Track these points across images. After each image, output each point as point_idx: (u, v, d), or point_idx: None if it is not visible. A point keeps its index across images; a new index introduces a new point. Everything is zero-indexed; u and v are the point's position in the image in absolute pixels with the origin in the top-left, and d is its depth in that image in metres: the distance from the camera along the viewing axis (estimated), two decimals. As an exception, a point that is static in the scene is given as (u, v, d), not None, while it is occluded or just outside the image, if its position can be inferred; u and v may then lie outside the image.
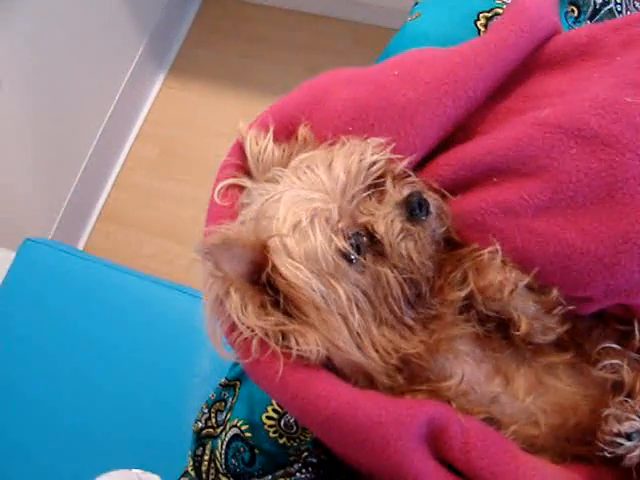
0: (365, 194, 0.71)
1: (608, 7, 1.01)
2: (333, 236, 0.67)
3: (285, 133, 0.78)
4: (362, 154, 0.71)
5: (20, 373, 1.41)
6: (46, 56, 2.20)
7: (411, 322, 0.69)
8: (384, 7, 2.36)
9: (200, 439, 0.99)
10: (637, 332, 0.73)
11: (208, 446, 0.97)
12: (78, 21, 2.29)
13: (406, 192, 0.70)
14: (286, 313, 0.68)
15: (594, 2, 1.01)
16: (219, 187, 0.77)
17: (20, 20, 2.06)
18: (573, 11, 1.02)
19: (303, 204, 0.68)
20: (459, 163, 0.73)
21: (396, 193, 0.71)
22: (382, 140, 0.73)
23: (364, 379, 0.69)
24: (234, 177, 0.77)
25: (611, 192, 0.67)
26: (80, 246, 2.54)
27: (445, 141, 0.77)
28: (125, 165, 2.65)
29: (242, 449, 0.91)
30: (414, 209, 0.68)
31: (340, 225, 0.68)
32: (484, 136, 0.75)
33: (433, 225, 0.70)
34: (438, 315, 0.70)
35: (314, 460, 0.79)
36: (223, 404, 1.00)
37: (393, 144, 0.73)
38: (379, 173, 0.72)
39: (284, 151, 0.77)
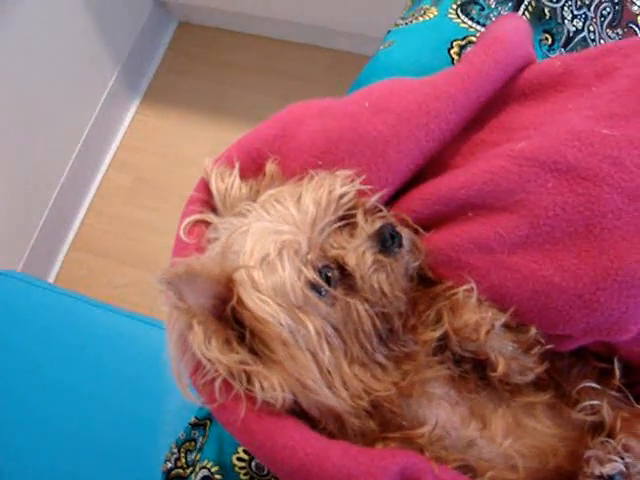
0: (336, 227, 0.69)
1: (581, 35, 1.01)
2: (302, 268, 0.65)
3: (253, 168, 0.76)
4: (331, 186, 0.69)
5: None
6: (17, 82, 2.17)
7: (383, 360, 0.67)
8: (359, 34, 2.37)
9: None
10: (617, 370, 0.71)
11: (177, 488, 0.93)
12: (50, 48, 2.26)
13: (378, 224, 0.68)
14: (252, 351, 0.65)
15: (567, 30, 1.01)
16: (185, 223, 0.74)
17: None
18: (547, 39, 1.01)
19: (271, 236, 0.66)
20: (433, 197, 0.71)
21: (367, 226, 0.68)
22: (351, 172, 0.71)
23: (334, 422, 0.66)
24: (200, 213, 0.75)
25: (589, 227, 0.65)
26: (52, 275, 2.49)
27: (419, 174, 0.75)
28: (98, 193, 2.61)
29: None
30: (386, 241, 0.66)
31: (309, 257, 0.65)
32: (458, 169, 0.73)
33: (406, 258, 0.68)
34: (411, 354, 0.68)
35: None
36: (193, 444, 0.97)
37: (363, 176, 0.72)
38: (349, 205, 0.70)
39: (251, 188, 0.75)
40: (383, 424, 0.67)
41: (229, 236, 0.68)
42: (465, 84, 0.74)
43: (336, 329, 0.65)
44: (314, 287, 0.65)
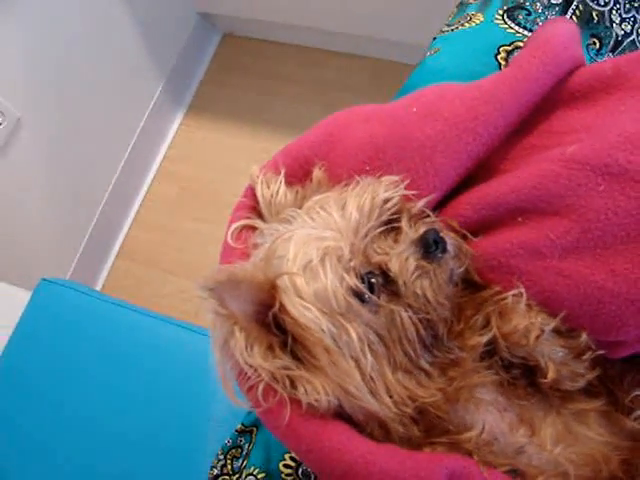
0: (379, 232, 0.69)
1: (630, 39, 0.99)
2: (345, 274, 0.64)
3: (300, 174, 0.76)
4: (375, 192, 0.68)
5: (31, 416, 1.39)
6: (66, 96, 2.22)
7: (428, 367, 0.66)
8: (402, 43, 2.36)
9: (216, 487, 0.96)
10: (672, 378, 0.69)
11: (224, 494, 0.93)
12: (97, 60, 2.31)
13: (422, 230, 0.67)
14: (295, 357, 0.65)
15: (616, 34, 0.99)
16: (232, 229, 0.75)
17: (40, 60, 2.08)
18: (595, 43, 1.00)
19: (314, 243, 0.65)
20: (481, 202, 0.71)
21: (412, 231, 0.68)
22: (396, 177, 0.71)
23: (379, 429, 0.65)
24: (247, 218, 0.75)
25: None
26: (99, 284, 2.53)
27: (467, 179, 0.74)
28: (144, 204, 2.65)
29: None
30: (430, 246, 0.65)
31: (352, 264, 0.65)
32: (507, 174, 0.72)
33: (450, 264, 0.67)
34: (457, 361, 0.67)
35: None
36: (239, 450, 0.97)
37: (407, 181, 0.71)
38: (393, 210, 0.69)
39: (297, 193, 0.75)
40: (429, 429, 0.66)
41: (273, 242, 0.68)
42: (513, 88, 0.73)
43: (379, 336, 0.65)
44: (356, 294, 0.65)
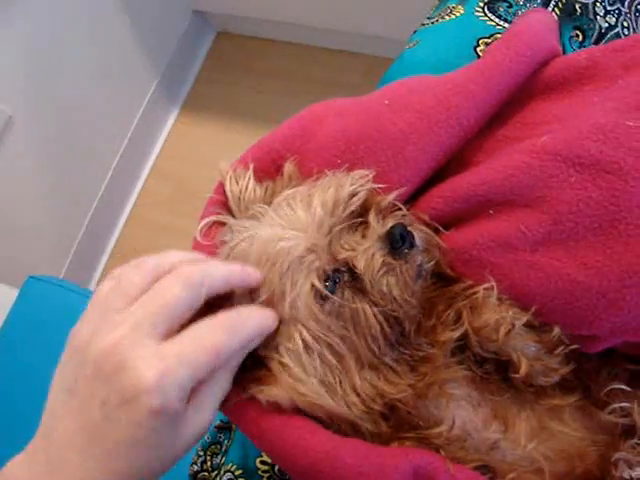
0: (349, 227, 0.67)
1: (615, 31, 0.98)
2: (306, 275, 0.64)
3: (272, 169, 0.75)
4: (339, 186, 0.67)
5: (17, 413, 1.38)
6: (58, 92, 2.22)
7: (394, 364, 0.65)
8: (395, 40, 2.35)
9: (196, 483, 0.95)
10: (648, 371, 0.69)
11: (203, 491, 0.93)
12: (90, 57, 2.32)
13: (389, 225, 0.66)
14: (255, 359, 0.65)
15: (599, 26, 0.98)
16: (201, 225, 0.74)
17: (32, 57, 2.08)
18: (577, 36, 0.99)
19: (277, 243, 0.64)
20: (453, 195, 0.70)
21: (379, 226, 0.66)
22: (365, 171, 0.70)
23: (346, 424, 0.65)
24: (217, 214, 0.75)
25: (614, 222, 0.62)
26: (93, 283, 2.53)
27: (440, 172, 0.74)
28: (138, 201, 2.65)
29: None
30: (396, 242, 0.64)
31: (317, 264, 0.64)
32: (479, 166, 0.71)
33: (418, 259, 0.66)
34: (428, 357, 0.66)
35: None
36: (218, 447, 0.96)
37: (373, 174, 0.70)
38: (359, 205, 0.68)
39: (266, 189, 0.74)
40: (399, 425, 0.66)
41: (236, 241, 0.68)
42: (485, 79, 0.72)
43: (342, 335, 0.64)
44: (318, 294, 0.64)
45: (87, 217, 2.45)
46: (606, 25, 0.98)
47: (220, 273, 0.61)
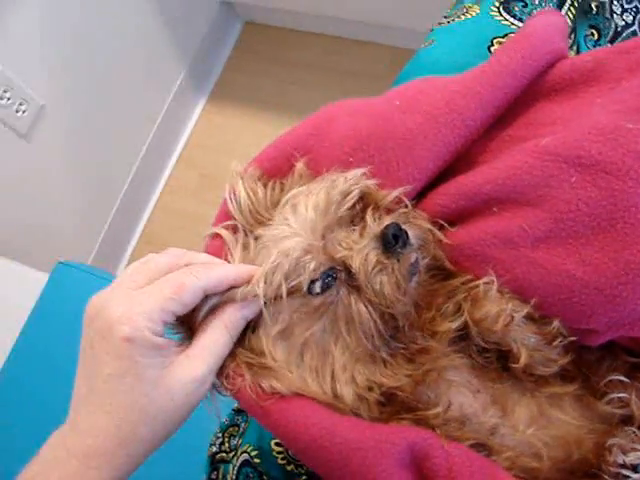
0: (345, 226, 0.71)
1: (631, 29, 0.99)
2: (299, 277, 0.67)
3: (286, 167, 0.78)
4: (332, 187, 0.70)
5: (46, 395, 1.42)
6: (88, 82, 2.26)
7: (390, 358, 0.68)
8: (419, 31, 2.36)
9: (214, 463, 0.99)
10: (646, 364, 0.71)
11: (221, 471, 0.97)
12: (119, 47, 2.36)
13: (384, 224, 0.68)
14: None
15: (615, 25, 0.99)
16: (209, 232, 0.78)
17: (63, 47, 2.13)
18: (593, 34, 1.00)
19: (277, 245, 0.69)
20: (459, 193, 0.72)
21: (375, 225, 0.69)
22: (361, 170, 0.73)
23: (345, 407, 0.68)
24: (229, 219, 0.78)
25: (612, 221, 0.65)
26: (120, 269, 2.58)
27: (447, 171, 0.76)
28: (165, 189, 2.69)
29: (251, 475, 0.91)
30: (389, 241, 0.67)
31: (313, 264, 0.67)
32: (484, 165, 0.74)
33: (413, 257, 0.68)
34: (425, 348, 0.69)
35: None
36: (236, 429, 1.00)
37: (365, 171, 0.73)
38: (357, 202, 0.71)
39: (274, 189, 0.76)
40: (397, 410, 0.69)
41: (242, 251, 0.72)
42: (492, 81, 0.74)
43: (337, 332, 0.68)
44: (313, 293, 0.68)
45: (115, 205, 2.50)
46: (622, 23, 0.99)
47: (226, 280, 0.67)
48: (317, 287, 0.67)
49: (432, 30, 1.04)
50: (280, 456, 0.89)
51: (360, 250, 0.68)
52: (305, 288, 0.67)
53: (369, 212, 0.71)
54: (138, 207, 2.65)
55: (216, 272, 0.66)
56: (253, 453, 0.92)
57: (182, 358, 0.65)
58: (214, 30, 2.80)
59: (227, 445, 0.99)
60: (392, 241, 0.67)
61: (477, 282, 0.69)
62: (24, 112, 2.03)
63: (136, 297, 0.62)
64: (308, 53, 2.75)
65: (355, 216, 0.72)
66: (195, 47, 2.72)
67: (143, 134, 2.58)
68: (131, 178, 2.54)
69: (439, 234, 0.72)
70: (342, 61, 2.67)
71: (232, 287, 0.67)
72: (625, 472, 0.65)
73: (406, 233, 0.67)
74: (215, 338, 0.66)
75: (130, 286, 0.64)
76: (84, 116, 2.29)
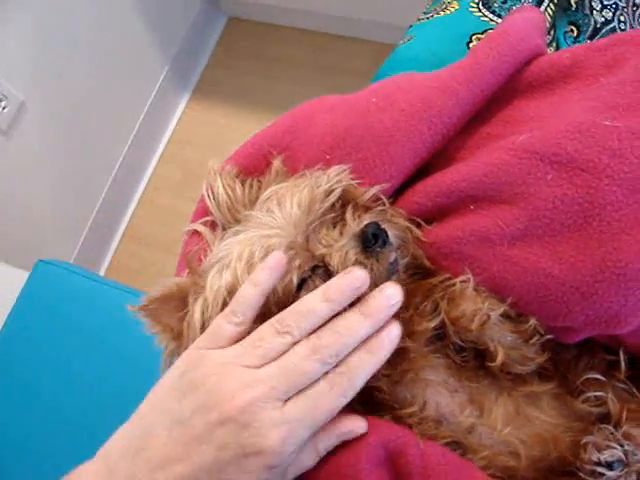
0: (326, 224, 0.70)
1: (610, 26, 0.99)
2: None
3: (263, 165, 0.78)
4: (315, 185, 0.70)
5: (26, 394, 1.42)
6: (70, 78, 2.24)
7: None
8: (404, 27, 2.36)
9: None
10: (622, 362, 0.71)
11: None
12: (102, 44, 2.34)
13: (363, 223, 0.68)
14: None
15: (595, 21, 0.99)
16: (187, 229, 0.77)
17: (44, 42, 2.11)
18: (572, 31, 1.00)
19: (256, 243, 0.67)
20: (435, 190, 0.72)
21: (355, 224, 0.69)
22: (343, 167, 0.72)
23: None
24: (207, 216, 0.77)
25: (588, 219, 0.64)
26: (104, 266, 2.57)
27: (424, 168, 0.76)
28: (149, 186, 2.68)
29: None
30: (368, 241, 0.66)
31: (296, 262, 0.66)
32: (461, 162, 0.74)
33: (392, 256, 0.68)
34: (403, 348, 0.68)
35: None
36: None
37: (350, 169, 0.73)
38: (338, 200, 0.70)
39: (251, 187, 0.76)
40: (376, 408, 0.68)
41: (217, 249, 0.71)
42: (468, 78, 0.74)
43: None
44: (293, 290, 0.67)
45: (98, 201, 2.48)
46: (602, 20, 0.99)
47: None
48: (293, 285, 0.67)
49: (411, 26, 1.04)
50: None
51: (339, 248, 0.67)
52: (295, 284, 0.66)
53: (349, 210, 0.70)
54: (121, 204, 2.63)
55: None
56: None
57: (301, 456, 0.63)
58: (198, 25, 2.78)
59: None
60: (371, 240, 0.66)
61: (454, 280, 0.69)
62: (4, 108, 2.01)
63: (291, 422, 0.59)
64: (292, 49, 2.74)
65: (335, 214, 0.71)
66: (178, 43, 2.70)
67: (126, 130, 2.56)
68: (114, 174, 2.52)
69: (417, 232, 0.72)
70: (326, 57, 2.67)
71: None
72: (600, 470, 0.65)
73: (385, 232, 0.67)
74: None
75: (278, 394, 0.59)
76: (66, 112, 2.27)
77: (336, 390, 0.60)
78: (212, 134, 2.68)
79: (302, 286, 0.67)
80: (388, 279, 0.67)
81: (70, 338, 1.45)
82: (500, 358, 0.68)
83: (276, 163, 0.76)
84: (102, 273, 2.54)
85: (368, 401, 0.68)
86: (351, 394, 0.61)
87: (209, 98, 2.78)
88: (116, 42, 2.41)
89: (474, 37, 0.94)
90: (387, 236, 0.67)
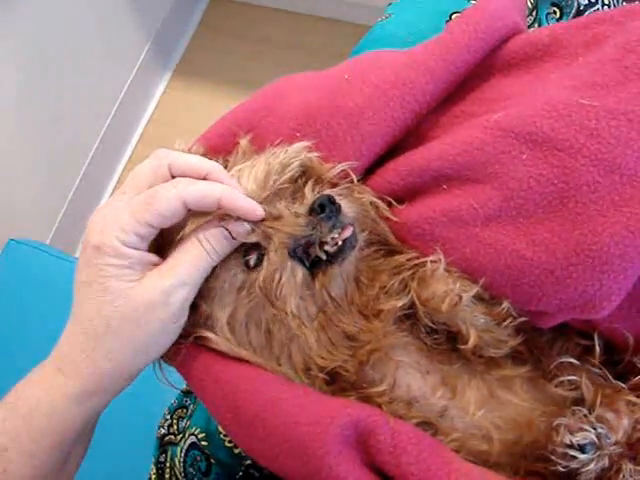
0: (281, 197, 0.68)
1: (594, 8, 0.97)
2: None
3: (234, 144, 0.76)
4: (271, 159, 0.68)
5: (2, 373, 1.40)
6: (47, 57, 2.20)
7: (324, 337, 0.66)
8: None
9: (162, 445, 0.97)
10: (597, 347, 0.70)
11: (169, 453, 0.95)
12: (81, 21, 2.29)
13: (316, 196, 0.66)
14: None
15: (578, 3, 0.97)
16: None
17: (20, 20, 2.06)
18: (555, 12, 0.99)
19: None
20: (407, 169, 0.70)
21: (311, 197, 0.67)
22: (305, 144, 0.70)
23: None
24: None
25: (563, 200, 0.63)
26: (79, 249, 2.53)
27: (397, 146, 0.74)
28: (128, 166, 2.65)
29: (199, 458, 0.89)
30: (314, 210, 0.64)
31: (253, 238, 0.65)
32: (434, 141, 0.72)
33: (349, 231, 0.65)
34: (367, 327, 0.67)
35: (256, 473, 0.77)
36: (184, 411, 0.98)
37: (309, 145, 0.71)
38: (292, 175, 0.68)
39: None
40: (343, 387, 0.67)
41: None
42: (443, 55, 0.72)
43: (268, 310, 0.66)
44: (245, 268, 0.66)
45: (75, 183, 2.44)
46: (585, 2, 0.97)
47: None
48: (252, 261, 0.66)
49: (389, 4, 1.02)
50: (227, 439, 0.87)
51: (287, 216, 0.65)
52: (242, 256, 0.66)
53: (309, 184, 0.69)
54: (99, 185, 2.58)
55: (199, 185, 0.63)
56: (200, 436, 0.90)
57: (153, 272, 0.64)
58: (179, 5, 2.74)
59: (175, 427, 0.97)
60: (317, 210, 0.64)
61: (424, 259, 0.67)
62: (-21, 84, 1.97)
63: (115, 208, 0.63)
64: (273, 30, 2.71)
65: (297, 189, 0.69)
66: (159, 22, 2.65)
67: (106, 110, 2.51)
68: (92, 155, 2.47)
69: (384, 207, 0.70)
70: (308, 38, 2.64)
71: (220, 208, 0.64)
72: (572, 452, 0.63)
73: (334, 202, 0.64)
74: (188, 251, 0.64)
75: (119, 199, 0.64)
76: (43, 91, 2.22)
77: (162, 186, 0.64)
78: (193, 115, 2.64)
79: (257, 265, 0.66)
80: (348, 253, 0.66)
81: (42, 320, 1.42)
82: (472, 341, 0.67)
83: (243, 142, 0.74)
84: (78, 255, 2.50)
85: (335, 380, 0.67)
86: (181, 190, 0.62)
87: (190, 78, 2.74)
88: (96, 19, 2.35)
89: (454, 16, 0.92)
90: (338, 209, 0.64)
